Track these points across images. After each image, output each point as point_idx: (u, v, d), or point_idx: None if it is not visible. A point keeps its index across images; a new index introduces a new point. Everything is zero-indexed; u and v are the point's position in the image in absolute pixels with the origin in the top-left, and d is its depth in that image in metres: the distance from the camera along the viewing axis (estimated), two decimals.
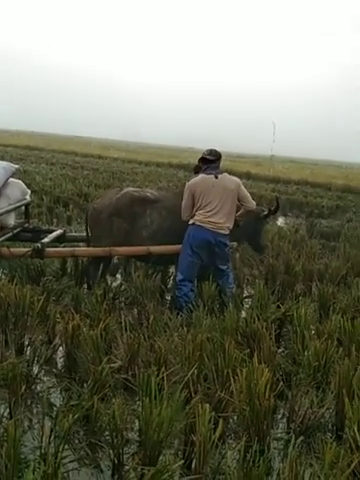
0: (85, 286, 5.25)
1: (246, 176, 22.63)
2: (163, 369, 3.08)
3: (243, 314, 4.58)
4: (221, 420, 2.50)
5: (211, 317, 4.19)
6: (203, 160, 4.91)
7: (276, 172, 26.09)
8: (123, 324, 3.86)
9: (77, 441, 2.76)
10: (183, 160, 29.75)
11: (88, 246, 5.50)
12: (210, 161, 4.87)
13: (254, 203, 5.04)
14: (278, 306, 4.60)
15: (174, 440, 2.75)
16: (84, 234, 5.97)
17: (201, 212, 4.78)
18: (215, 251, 4.81)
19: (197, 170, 5.37)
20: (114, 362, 3.42)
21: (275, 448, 2.81)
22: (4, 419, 2.77)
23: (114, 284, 5.27)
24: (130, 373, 3.32)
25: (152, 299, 4.59)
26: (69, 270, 5.64)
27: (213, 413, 2.56)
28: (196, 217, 4.80)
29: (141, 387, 2.83)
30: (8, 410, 2.87)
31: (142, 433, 2.59)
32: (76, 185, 13.14)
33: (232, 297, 4.85)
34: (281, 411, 3.23)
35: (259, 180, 22.38)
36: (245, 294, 5.60)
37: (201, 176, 4.84)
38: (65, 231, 6.10)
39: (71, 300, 4.58)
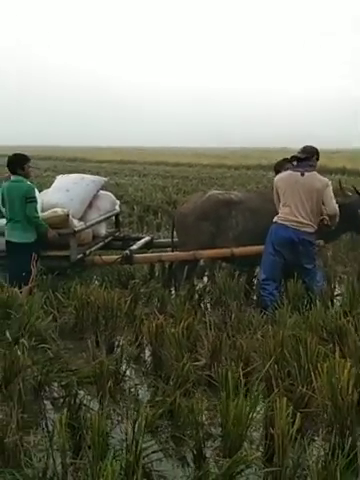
0: (172, 289, 5.42)
1: (341, 171, 21.83)
2: (243, 365, 3.10)
3: (331, 311, 4.44)
4: (299, 414, 2.47)
5: (296, 315, 4.12)
6: (295, 158, 4.82)
7: None
8: (207, 323, 3.93)
9: (162, 434, 2.86)
10: (273, 161, 29.27)
11: (173, 249, 5.66)
12: (301, 159, 4.75)
13: (336, 208, 4.69)
14: None
15: (255, 434, 2.76)
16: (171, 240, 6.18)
17: (284, 210, 4.71)
18: (299, 249, 4.69)
19: (277, 168, 5.30)
20: (198, 360, 3.51)
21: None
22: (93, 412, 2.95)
23: (199, 285, 5.37)
24: (213, 370, 3.37)
25: (236, 299, 4.60)
26: (157, 274, 5.84)
27: (291, 407, 2.53)
28: (279, 215, 4.74)
29: (220, 382, 2.87)
30: (98, 405, 3.06)
31: (222, 427, 2.64)
32: (165, 193, 13.51)
33: (320, 295, 4.72)
34: None
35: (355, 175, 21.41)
36: (336, 292, 5.42)
37: (288, 172, 4.77)
38: (152, 238, 6.35)
39: (157, 302, 4.75)
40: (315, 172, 4.73)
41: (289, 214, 4.66)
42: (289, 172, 4.76)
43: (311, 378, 2.94)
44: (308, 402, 2.88)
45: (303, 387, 2.92)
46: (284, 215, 4.68)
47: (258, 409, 2.74)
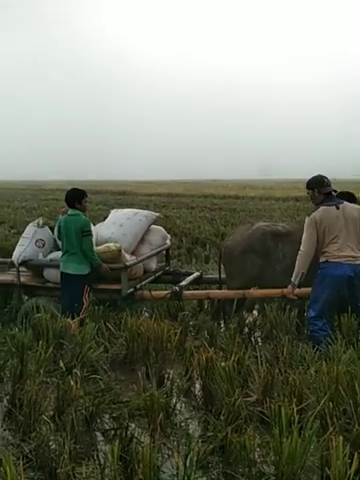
0: (222, 322, 5.38)
1: None
2: (296, 401, 3.02)
3: None
4: (356, 455, 2.37)
5: (351, 350, 3.99)
6: (325, 193, 4.63)
7: None
8: (258, 358, 3.87)
9: (213, 470, 2.81)
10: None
11: (220, 285, 5.63)
12: (329, 192, 4.64)
13: None
14: None
15: (311, 475, 2.66)
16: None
17: (332, 247, 4.52)
18: (354, 283, 4.55)
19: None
20: (250, 396, 3.45)
21: None
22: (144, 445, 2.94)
23: (249, 318, 5.31)
24: (265, 406, 3.30)
25: (287, 333, 4.52)
26: (206, 306, 5.83)
27: (348, 447, 2.44)
28: (328, 254, 4.52)
29: (273, 419, 2.80)
30: (149, 438, 3.05)
31: (276, 465, 2.56)
32: (213, 225, 13.58)
33: None
34: None
35: None
36: None
37: (323, 209, 4.57)
38: (202, 274, 6.36)
39: (207, 335, 4.72)
40: (346, 202, 4.65)
41: (339, 250, 4.49)
42: (324, 208, 4.57)
43: None
44: None
45: None
46: (334, 252, 4.51)
47: (313, 448, 2.65)
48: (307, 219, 4.59)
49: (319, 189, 4.63)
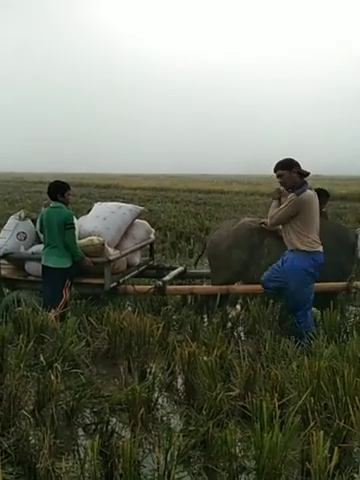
0: (205, 316, 5.37)
1: None
2: (278, 396, 3.03)
3: None
4: (336, 449, 2.38)
5: (333, 345, 4.01)
6: (302, 174, 4.49)
7: None
8: (241, 352, 3.87)
9: (194, 465, 2.80)
10: None
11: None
12: (307, 175, 4.51)
13: None
14: None
15: (292, 469, 2.66)
16: (204, 270, 6.15)
17: (314, 235, 4.47)
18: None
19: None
20: (232, 390, 3.44)
21: None
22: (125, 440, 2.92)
23: (233, 313, 5.31)
24: (247, 401, 3.30)
25: (270, 328, 4.53)
26: (189, 301, 5.82)
27: (328, 441, 2.45)
28: (313, 244, 4.45)
29: (255, 413, 2.80)
30: (130, 433, 3.03)
31: (257, 460, 2.56)
32: (198, 220, 13.57)
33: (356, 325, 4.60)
34: None
35: None
36: None
37: (310, 192, 4.42)
38: (186, 268, 6.34)
39: (190, 329, 4.71)
40: None
41: (317, 239, 4.49)
42: (310, 192, 4.45)
43: (349, 411, 2.85)
44: (346, 437, 2.78)
45: (340, 421, 2.82)
46: (317, 240, 4.48)
47: (293, 443, 2.66)
48: (295, 198, 4.39)
49: (298, 170, 4.47)
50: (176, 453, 2.44)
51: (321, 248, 4.50)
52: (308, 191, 4.44)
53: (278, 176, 4.56)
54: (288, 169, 4.47)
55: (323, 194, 5.44)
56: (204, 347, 3.92)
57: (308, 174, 4.54)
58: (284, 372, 3.47)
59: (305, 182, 4.50)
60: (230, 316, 5.17)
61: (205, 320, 5.30)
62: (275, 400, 2.86)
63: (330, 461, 2.33)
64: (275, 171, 4.57)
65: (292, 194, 4.44)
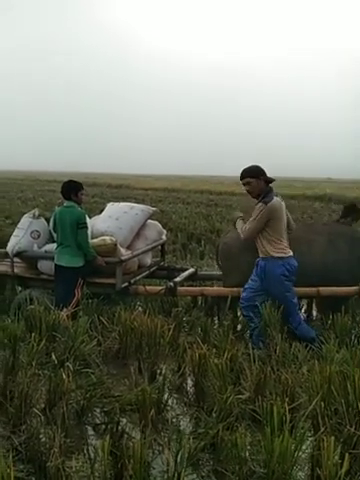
0: (215, 318, 5.38)
1: None
2: (288, 400, 3.02)
3: None
4: (347, 455, 2.37)
5: (344, 350, 3.99)
6: (268, 181, 4.55)
7: None
8: (251, 356, 3.87)
9: (204, 468, 2.80)
10: (319, 191, 29.04)
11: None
12: (271, 181, 4.57)
13: None
14: None
15: (302, 474, 2.66)
16: (215, 272, 6.14)
17: (285, 242, 4.57)
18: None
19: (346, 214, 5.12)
20: (241, 393, 3.44)
21: None
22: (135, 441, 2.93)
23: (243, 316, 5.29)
24: (257, 404, 3.30)
25: (280, 331, 4.51)
26: (200, 303, 5.82)
27: (339, 447, 2.44)
28: (283, 247, 4.53)
29: (265, 417, 2.80)
30: (140, 434, 3.04)
31: (266, 464, 2.56)
32: (209, 221, 13.57)
33: None
34: None
35: None
36: None
37: (277, 200, 4.48)
38: (197, 270, 6.34)
39: (200, 331, 4.71)
40: None
41: (287, 244, 4.59)
42: (278, 199, 4.50)
43: None
44: (357, 443, 2.76)
45: (351, 427, 2.81)
46: (287, 245, 4.59)
47: (304, 448, 2.65)
48: (264, 207, 4.41)
49: (265, 177, 4.52)
50: (186, 455, 2.44)
51: (291, 253, 4.58)
52: (275, 198, 4.48)
53: (245, 184, 4.58)
54: (256, 177, 4.51)
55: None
56: (214, 349, 3.92)
57: (273, 181, 4.58)
58: (294, 376, 3.46)
59: (271, 189, 4.54)
60: (240, 319, 5.16)
61: (215, 322, 5.30)
62: (285, 404, 2.85)
63: (341, 467, 2.32)
64: (242, 179, 4.60)
65: (260, 204, 4.47)
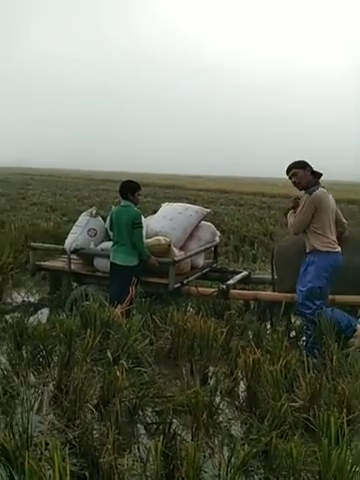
0: (268, 323, 5.29)
1: None
2: (346, 412, 2.92)
3: None
4: None
5: None
6: (315, 173, 4.53)
7: None
8: (305, 363, 3.78)
9: (255, 475, 2.76)
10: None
11: (274, 287, 5.50)
12: (320, 176, 4.52)
13: None
14: None
15: None
16: (268, 276, 6.05)
17: (333, 236, 4.48)
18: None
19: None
20: (295, 401, 3.36)
21: None
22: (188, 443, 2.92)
23: (297, 322, 5.19)
24: (311, 413, 3.22)
25: (337, 339, 4.38)
26: (252, 306, 5.75)
27: None
28: (334, 244, 4.45)
29: (321, 428, 2.72)
30: (190, 436, 3.03)
31: (321, 477, 2.49)
32: (262, 224, 13.39)
33: None
34: None
35: None
36: None
37: (322, 190, 4.43)
38: (250, 273, 6.27)
39: (253, 335, 4.65)
40: None
41: (334, 239, 4.51)
42: (323, 190, 4.44)
43: None
44: None
45: None
46: (334, 240, 4.49)
47: None
48: (308, 197, 4.38)
49: (311, 169, 4.51)
50: (239, 461, 2.41)
51: (339, 249, 4.49)
52: (320, 189, 4.42)
53: (292, 175, 4.56)
54: (302, 168, 4.51)
55: None
56: (268, 355, 3.85)
57: (320, 175, 4.53)
58: (351, 387, 3.35)
59: (317, 182, 4.49)
60: (294, 325, 5.06)
61: (268, 327, 5.22)
62: (343, 415, 2.76)
63: None
64: (289, 171, 4.58)
65: (305, 195, 4.44)
